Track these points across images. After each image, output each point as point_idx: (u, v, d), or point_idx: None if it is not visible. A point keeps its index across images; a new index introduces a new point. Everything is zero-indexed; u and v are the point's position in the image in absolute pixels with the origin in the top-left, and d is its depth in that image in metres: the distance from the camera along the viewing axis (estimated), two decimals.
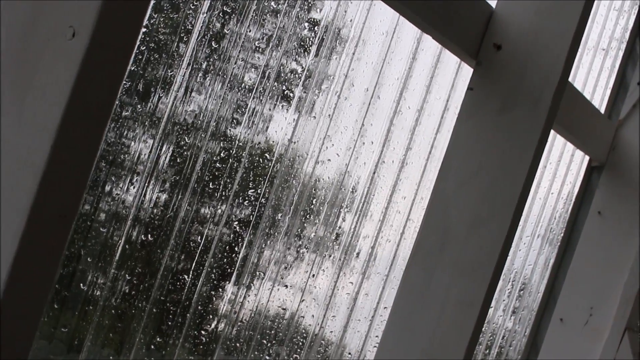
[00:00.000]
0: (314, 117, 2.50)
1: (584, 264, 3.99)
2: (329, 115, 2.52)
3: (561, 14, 2.59)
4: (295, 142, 2.49)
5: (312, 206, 2.66)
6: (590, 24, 3.98)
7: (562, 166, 3.94)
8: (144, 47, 2.18)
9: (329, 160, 2.59)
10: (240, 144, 2.48)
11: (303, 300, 2.75)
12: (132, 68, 2.16)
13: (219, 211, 2.54)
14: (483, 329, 3.79)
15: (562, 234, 4.09)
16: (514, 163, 2.52)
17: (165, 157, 2.34)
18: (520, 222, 2.57)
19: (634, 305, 3.79)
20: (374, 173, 2.66)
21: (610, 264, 3.93)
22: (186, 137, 2.38)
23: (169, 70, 2.28)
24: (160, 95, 2.27)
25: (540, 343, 4.05)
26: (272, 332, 2.74)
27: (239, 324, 2.67)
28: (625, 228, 3.91)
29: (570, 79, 3.66)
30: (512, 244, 2.56)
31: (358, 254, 2.80)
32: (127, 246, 2.31)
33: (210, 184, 2.47)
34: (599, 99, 4.17)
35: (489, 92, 2.62)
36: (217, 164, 2.46)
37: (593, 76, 4.06)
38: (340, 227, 2.75)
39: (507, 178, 2.52)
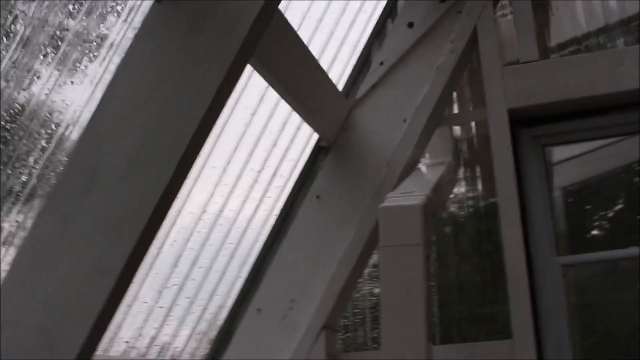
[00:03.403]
0: None
1: (293, 252, 3.57)
2: None
3: None
4: None
5: None
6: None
7: (283, 139, 3.49)
8: None
9: None
10: None
11: None
12: None
13: None
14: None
15: (277, 215, 3.65)
16: (190, 101, 1.99)
17: None
18: (187, 175, 2.04)
19: (337, 303, 3.41)
20: None
21: (320, 254, 3.54)
22: None
23: None
24: None
25: (234, 332, 3.58)
26: None
27: None
28: (341, 217, 3.54)
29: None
30: (173, 201, 2.02)
31: None
32: None
33: None
34: (338, 75, 3.78)
35: (179, 8, 2.07)
36: None
37: (333, 48, 3.66)
38: None
39: (178, 118, 1.98)
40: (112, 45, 2.29)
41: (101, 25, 2.27)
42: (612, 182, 3.95)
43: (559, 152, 3.71)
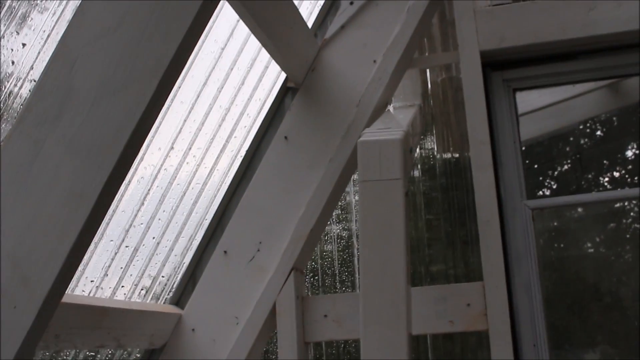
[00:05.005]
0: None
1: (260, 194, 3.50)
2: None
3: None
4: None
5: None
6: None
7: (251, 77, 3.40)
8: None
9: None
10: None
11: None
12: None
13: None
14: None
15: (242, 156, 3.57)
16: (169, 21, 1.89)
17: None
18: (166, 98, 1.95)
19: (305, 245, 3.36)
20: None
21: (288, 196, 3.47)
22: None
23: None
24: None
25: (200, 275, 3.51)
26: None
27: None
28: (310, 158, 3.47)
29: None
30: (152, 125, 1.94)
31: None
32: None
33: None
34: (307, 14, 3.68)
35: None
36: None
37: None
38: None
39: (156, 38, 1.88)
40: None
41: None
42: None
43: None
